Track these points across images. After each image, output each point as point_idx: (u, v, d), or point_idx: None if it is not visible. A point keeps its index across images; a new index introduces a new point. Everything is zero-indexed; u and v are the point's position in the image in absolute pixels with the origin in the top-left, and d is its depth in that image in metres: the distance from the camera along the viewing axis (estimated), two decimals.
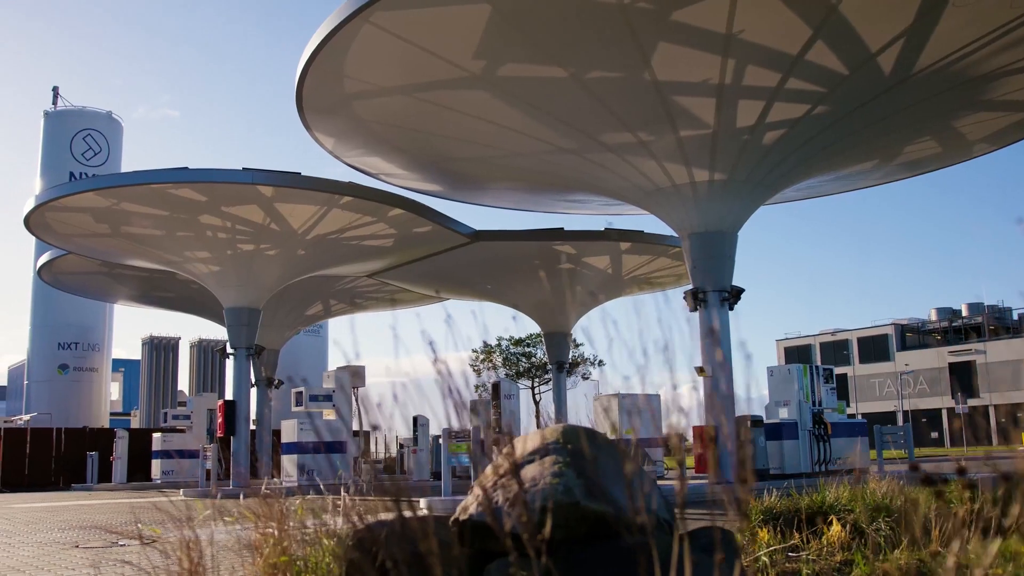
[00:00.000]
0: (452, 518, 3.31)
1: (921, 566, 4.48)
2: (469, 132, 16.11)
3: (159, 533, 3.64)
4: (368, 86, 14.82)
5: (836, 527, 5.91)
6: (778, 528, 5.99)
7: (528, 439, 3.63)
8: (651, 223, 32.42)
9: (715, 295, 15.78)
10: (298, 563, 3.35)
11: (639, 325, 2.56)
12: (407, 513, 2.13)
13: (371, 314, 32.16)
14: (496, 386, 15.15)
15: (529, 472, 3.35)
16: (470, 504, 3.53)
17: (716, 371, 15.20)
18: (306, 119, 16.02)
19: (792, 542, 5.69)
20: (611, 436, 3.67)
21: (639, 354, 2.57)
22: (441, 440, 15.80)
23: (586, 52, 13.19)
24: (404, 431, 27.10)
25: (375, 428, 2.28)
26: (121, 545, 8.94)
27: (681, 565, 2.71)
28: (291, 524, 3.50)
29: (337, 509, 3.80)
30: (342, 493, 3.65)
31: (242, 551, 3.37)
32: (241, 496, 3.76)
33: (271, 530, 3.20)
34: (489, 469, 3.60)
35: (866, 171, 19.15)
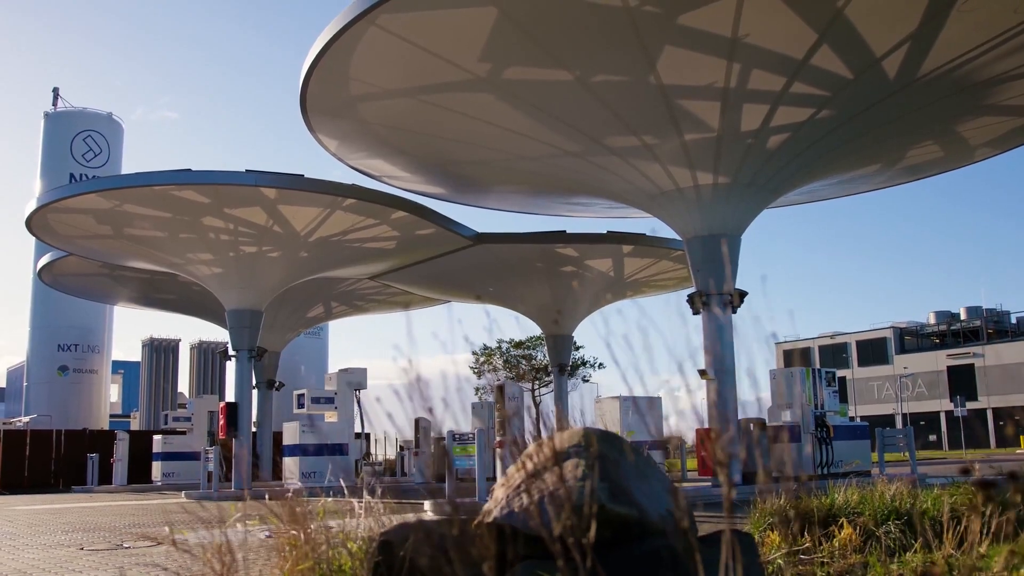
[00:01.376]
0: (475, 521, 3.32)
1: (936, 568, 4.49)
2: (473, 135, 16.13)
3: (185, 535, 3.65)
4: (373, 88, 14.83)
5: (847, 529, 5.92)
6: (788, 530, 5.99)
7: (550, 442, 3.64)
8: (652, 226, 32.42)
9: (718, 298, 15.79)
10: (322, 565, 3.36)
11: (641, 329, 2.57)
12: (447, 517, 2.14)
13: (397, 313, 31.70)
14: (501, 388, 15.16)
15: (552, 476, 3.36)
16: (492, 508, 3.54)
17: (719, 374, 15.23)
18: (310, 121, 16.02)
19: (804, 544, 5.70)
20: None
21: (640, 357, 2.58)
22: (445, 443, 15.79)
23: (591, 55, 13.21)
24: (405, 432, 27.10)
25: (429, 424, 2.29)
26: (126, 547, 8.94)
27: (709, 569, 2.72)
28: (314, 527, 3.51)
29: (358, 511, 3.81)
30: (364, 495, 3.67)
31: (268, 553, 3.38)
32: (266, 497, 3.77)
33: (297, 532, 3.22)
34: (510, 471, 3.62)
35: (868, 175, 19.19)
